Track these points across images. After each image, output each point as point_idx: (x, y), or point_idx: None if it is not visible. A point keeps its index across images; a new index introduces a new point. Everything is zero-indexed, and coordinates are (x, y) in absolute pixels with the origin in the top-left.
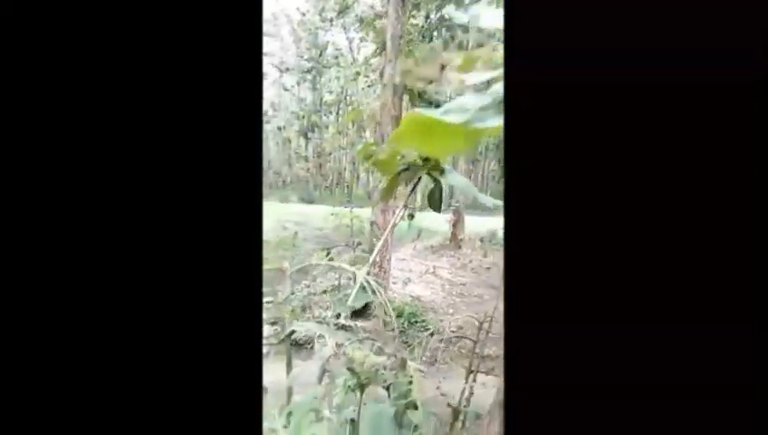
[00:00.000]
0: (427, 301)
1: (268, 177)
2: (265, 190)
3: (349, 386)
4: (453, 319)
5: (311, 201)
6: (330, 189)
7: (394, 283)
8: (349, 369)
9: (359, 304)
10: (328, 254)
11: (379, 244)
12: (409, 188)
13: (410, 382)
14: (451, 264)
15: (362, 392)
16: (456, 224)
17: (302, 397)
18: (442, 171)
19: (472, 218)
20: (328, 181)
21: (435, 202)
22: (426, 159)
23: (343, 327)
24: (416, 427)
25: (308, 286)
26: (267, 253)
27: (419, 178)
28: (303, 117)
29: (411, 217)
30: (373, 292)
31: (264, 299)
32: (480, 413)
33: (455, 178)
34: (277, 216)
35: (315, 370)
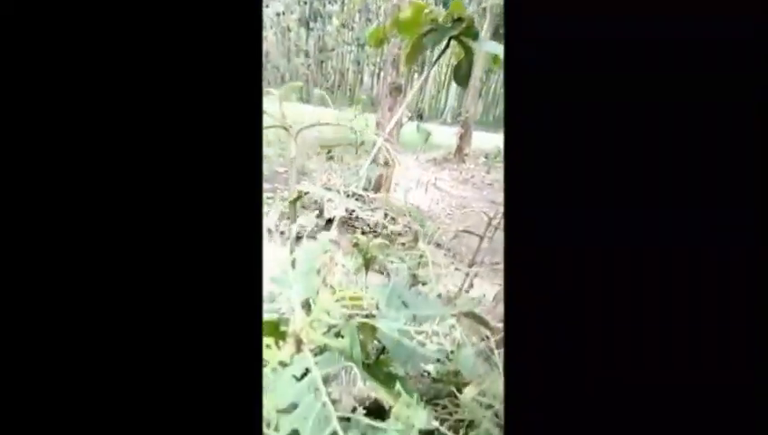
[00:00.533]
0: (425, 210)
1: (266, 71)
2: (264, 86)
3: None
4: (450, 229)
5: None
6: (331, 90)
7: (395, 190)
8: (354, 245)
9: (372, 174)
10: (329, 153)
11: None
12: (434, 55)
13: (422, 256)
14: (453, 177)
15: (368, 268)
16: (464, 137)
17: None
18: (475, 35)
19: (479, 134)
20: (329, 82)
21: (462, 76)
22: (457, 19)
23: (354, 195)
24: (425, 303)
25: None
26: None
27: (447, 44)
28: (306, 2)
29: (420, 117)
30: (386, 163)
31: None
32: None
33: (488, 45)
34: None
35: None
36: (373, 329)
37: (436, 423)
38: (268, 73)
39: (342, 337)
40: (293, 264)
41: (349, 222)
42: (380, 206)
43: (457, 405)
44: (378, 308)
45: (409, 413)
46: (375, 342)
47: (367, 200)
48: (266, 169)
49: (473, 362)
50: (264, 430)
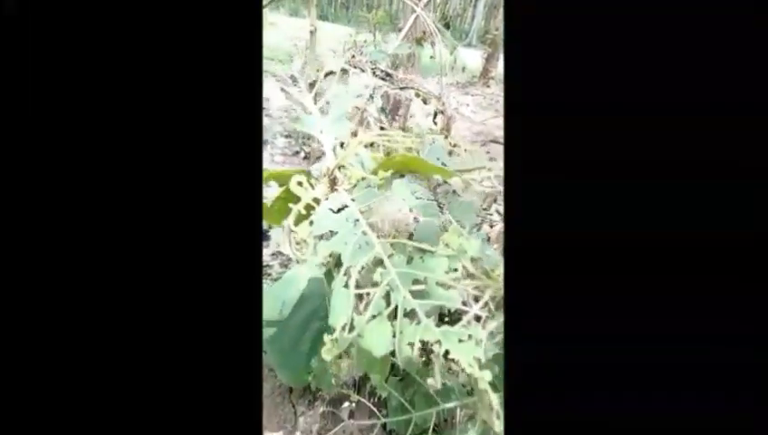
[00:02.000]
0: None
1: None
2: None
3: None
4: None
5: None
6: (345, 6)
7: (412, 116)
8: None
9: (402, 51)
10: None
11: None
12: None
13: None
14: (476, 103)
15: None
16: (490, 59)
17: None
18: None
19: None
20: None
21: None
22: None
23: (383, 73)
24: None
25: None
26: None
27: None
28: None
29: (447, 26)
30: (418, 42)
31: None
32: None
33: None
34: (285, 31)
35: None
36: (416, 161)
37: (489, 252)
38: None
39: (381, 179)
40: (323, 110)
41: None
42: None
43: None
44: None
45: (461, 241)
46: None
47: (396, 80)
48: None
49: None
50: (302, 253)
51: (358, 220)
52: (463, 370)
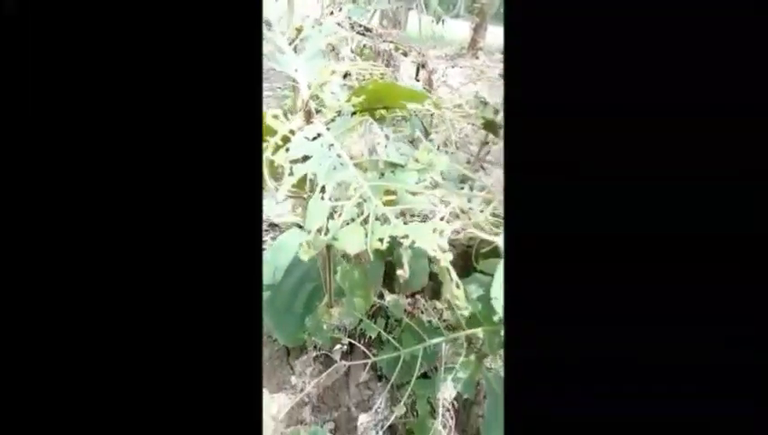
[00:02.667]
0: None
1: None
2: None
3: None
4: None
5: None
6: None
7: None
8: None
9: (381, 7)
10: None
11: None
12: None
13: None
14: (465, 75)
15: None
16: (478, 29)
17: None
18: None
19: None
20: None
21: None
22: None
23: (363, 28)
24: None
25: None
26: None
27: None
28: None
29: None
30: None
31: None
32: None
33: None
34: None
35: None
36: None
37: (459, 166)
38: None
39: (355, 105)
40: (296, 49)
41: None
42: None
43: None
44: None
45: (431, 157)
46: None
47: (375, 35)
48: None
49: None
50: (273, 181)
51: (332, 145)
52: (448, 308)
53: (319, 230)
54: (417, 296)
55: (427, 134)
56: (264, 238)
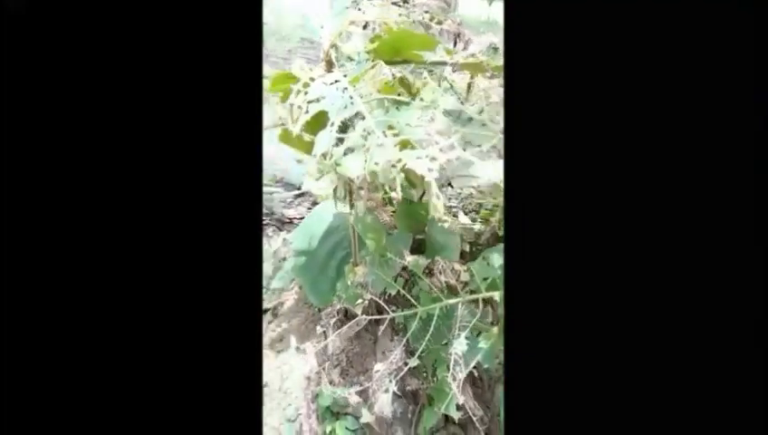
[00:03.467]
0: None
1: None
2: None
3: None
4: None
5: None
6: None
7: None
8: None
9: None
10: None
11: None
12: None
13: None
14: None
15: None
16: None
17: None
18: None
19: None
20: None
21: None
22: None
23: None
24: None
25: None
26: None
27: None
28: None
29: None
30: None
31: None
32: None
33: None
34: None
35: None
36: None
37: (462, 106)
38: None
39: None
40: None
41: None
42: None
43: None
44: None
45: (435, 96)
46: None
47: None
48: None
49: None
50: (294, 119)
51: (346, 88)
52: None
53: (324, 155)
54: (438, 258)
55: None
56: (301, 208)
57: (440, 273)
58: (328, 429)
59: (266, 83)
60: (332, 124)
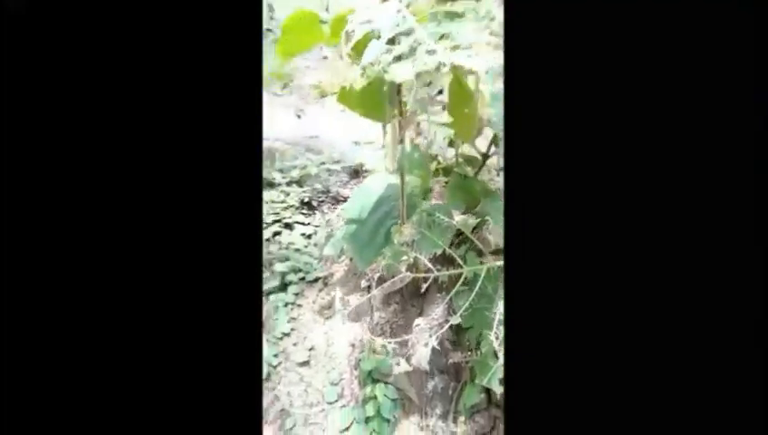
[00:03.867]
0: None
1: None
2: None
3: None
4: None
5: None
6: None
7: None
8: None
9: None
10: None
11: None
12: None
13: None
14: None
15: None
16: None
17: None
18: None
19: None
20: None
21: None
22: None
23: None
24: None
25: None
26: None
27: None
28: None
29: None
30: None
31: None
32: None
33: None
34: None
35: None
36: None
37: None
38: None
39: None
40: None
41: None
42: None
43: None
44: None
45: (489, 7)
46: None
47: None
48: None
49: None
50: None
51: (399, 11)
52: None
53: (372, 63)
54: (488, 218)
55: None
56: (351, 181)
57: (489, 234)
58: (368, 391)
59: (326, 28)
60: (380, 37)
